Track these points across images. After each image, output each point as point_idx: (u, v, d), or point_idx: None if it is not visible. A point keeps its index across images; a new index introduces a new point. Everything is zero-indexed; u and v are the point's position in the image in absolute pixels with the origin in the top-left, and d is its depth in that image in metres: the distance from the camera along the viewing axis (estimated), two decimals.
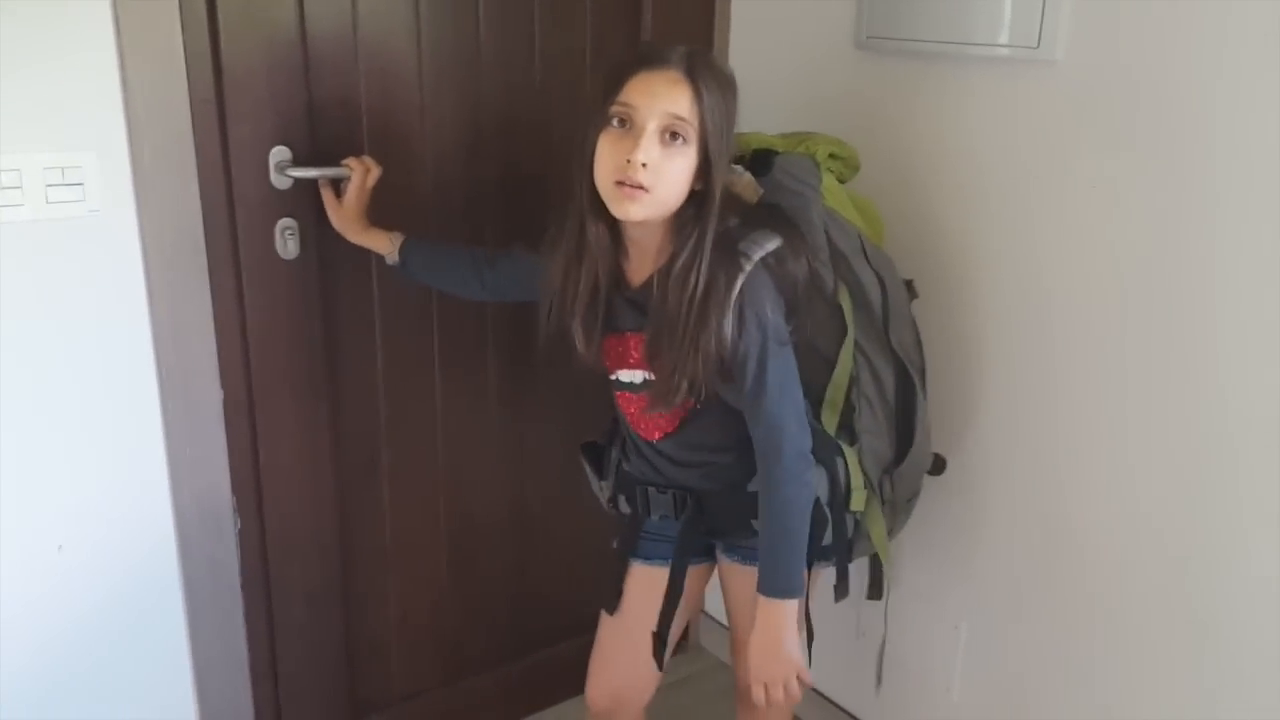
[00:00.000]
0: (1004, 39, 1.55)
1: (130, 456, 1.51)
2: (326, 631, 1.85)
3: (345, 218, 1.59)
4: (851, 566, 1.54)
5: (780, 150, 1.46)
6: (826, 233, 1.44)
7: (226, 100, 1.51)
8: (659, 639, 1.52)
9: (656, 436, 1.47)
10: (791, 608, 1.39)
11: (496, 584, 2.04)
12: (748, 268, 1.30)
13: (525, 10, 1.77)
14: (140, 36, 1.38)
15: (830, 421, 1.48)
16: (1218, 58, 1.34)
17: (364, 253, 1.64)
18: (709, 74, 1.28)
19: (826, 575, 1.54)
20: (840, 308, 1.46)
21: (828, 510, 1.43)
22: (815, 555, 1.45)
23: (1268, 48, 1.28)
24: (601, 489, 1.64)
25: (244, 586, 1.68)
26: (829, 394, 1.48)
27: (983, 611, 1.77)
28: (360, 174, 1.56)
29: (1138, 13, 1.40)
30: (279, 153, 1.58)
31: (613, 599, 1.57)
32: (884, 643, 1.64)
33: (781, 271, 1.33)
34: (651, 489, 1.52)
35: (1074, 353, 1.56)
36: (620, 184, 1.27)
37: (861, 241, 1.49)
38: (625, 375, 1.44)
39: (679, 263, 1.30)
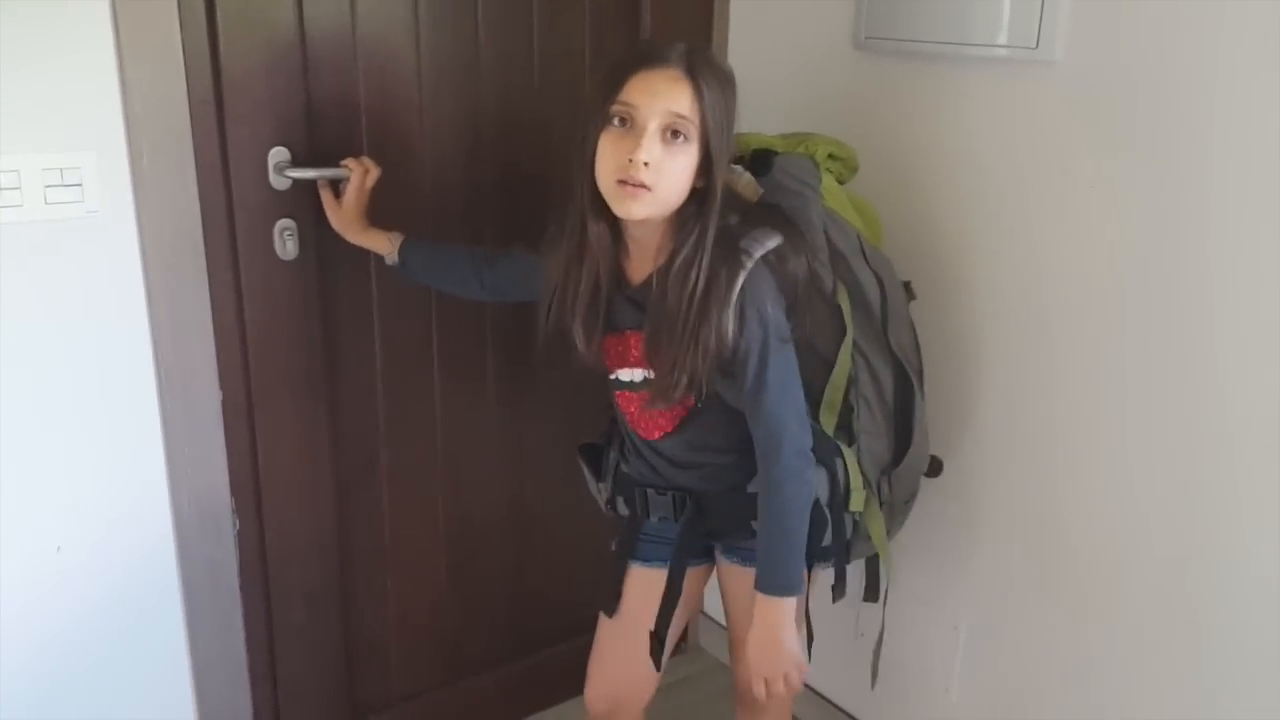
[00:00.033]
0: (1003, 39, 1.55)
1: (129, 457, 1.51)
2: (326, 632, 1.85)
3: (344, 218, 1.59)
4: (850, 567, 1.54)
5: (780, 150, 1.46)
6: (826, 233, 1.44)
7: (225, 101, 1.51)
8: (657, 639, 1.52)
9: (656, 436, 1.47)
10: (790, 605, 1.39)
11: (496, 584, 2.04)
12: (749, 265, 1.30)
13: (524, 10, 1.77)
14: (139, 37, 1.38)
15: (828, 422, 1.48)
16: (1216, 58, 1.34)
17: (363, 253, 1.64)
18: (709, 71, 1.28)
19: (825, 575, 1.54)
20: (839, 308, 1.46)
21: (827, 511, 1.43)
22: (815, 556, 1.45)
23: (1266, 48, 1.28)
24: (600, 491, 1.64)
25: (243, 587, 1.68)
26: (827, 394, 1.48)
27: (982, 612, 1.77)
28: (359, 175, 1.56)
29: (1136, 13, 1.40)
30: (278, 153, 1.57)
31: (611, 601, 1.57)
32: (880, 641, 1.64)
33: (782, 269, 1.34)
34: (651, 490, 1.52)
35: (1072, 353, 1.56)
36: (622, 183, 1.27)
37: (860, 242, 1.49)
38: (625, 374, 1.44)
39: (679, 259, 1.31)
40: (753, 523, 1.41)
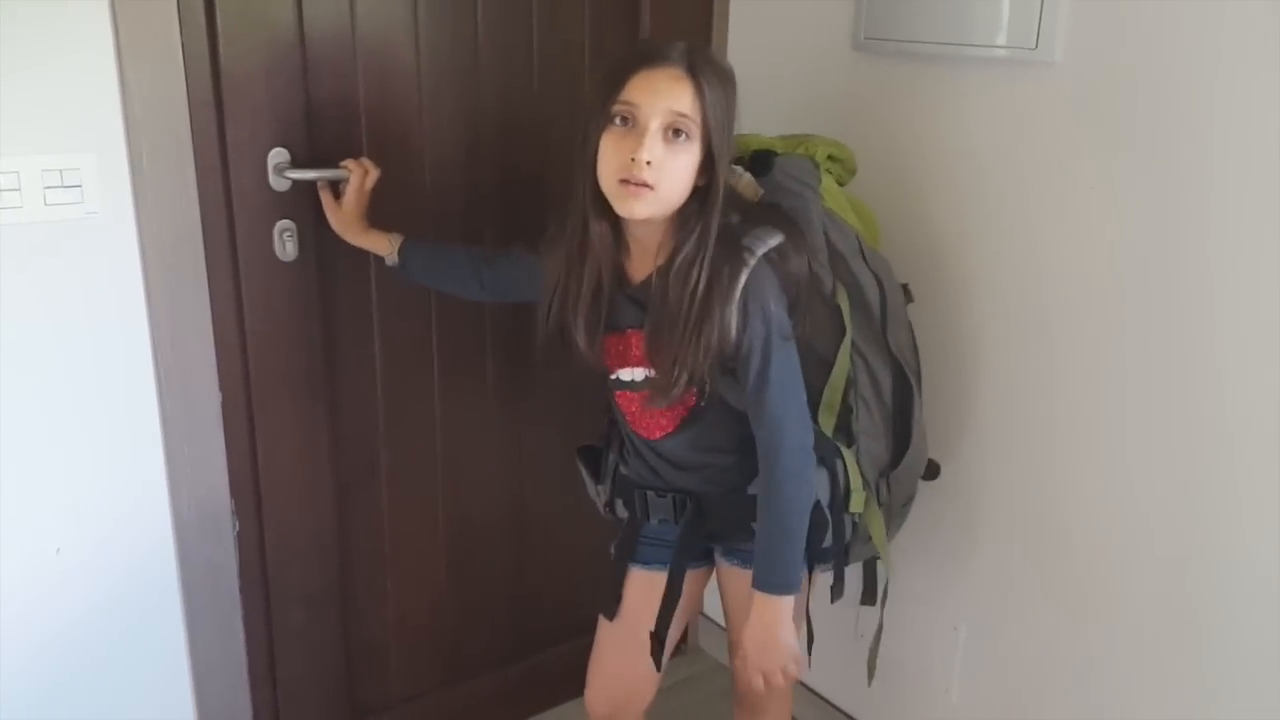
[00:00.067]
0: (1002, 40, 1.55)
1: (129, 459, 1.51)
2: (325, 634, 1.85)
3: (344, 219, 1.59)
4: (848, 567, 1.53)
5: (780, 151, 1.46)
6: (825, 234, 1.44)
7: (225, 102, 1.51)
8: (657, 640, 1.52)
9: (657, 435, 1.47)
10: (787, 603, 1.39)
11: (496, 585, 2.04)
12: (752, 262, 1.30)
13: (523, 10, 1.77)
14: (139, 38, 1.38)
15: (827, 423, 1.48)
16: (1216, 58, 1.34)
17: (363, 254, 1.64)
18: (710, 70, 1.28)
19: (824, 576, 1.53)
20: (838, 308, 1.46)
21: (828, 512, 1.43)
22: (815, 558, 1.45)
23: (1266, 48, 1.28)
24: (598, 493, 1.63)
25: (243, 589, 1.68)
26: (826, 395, 1.48)
27: (982, 613, 1.77)
28: (359, 176, 1.56)
29: (1136, 13, 1.40)
30: (277, 155, 1.57)
31: (611, 605, 1.57)
32: (877, 639, 1.63)
33: (784, 267, 1.34)
34: (650, 493, 1.52)
35: (1072, 353, 1.56)
36: (625, 182, 1.27)
37: (859, 243, 1.49)
38: (626, 374, 1.44)
39: (681, 257, 1.31)
40: (753, 524, 1.41)
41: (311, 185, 1.60)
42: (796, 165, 1.42)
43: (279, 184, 1.59)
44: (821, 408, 1.48)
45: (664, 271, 1.33)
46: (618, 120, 1.28)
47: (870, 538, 1.54)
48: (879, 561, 1.60)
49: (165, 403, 1.51)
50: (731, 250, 1.31)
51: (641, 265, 1.39)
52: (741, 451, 1.42)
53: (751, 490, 1.42)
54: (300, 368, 1.69)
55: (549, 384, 1.96)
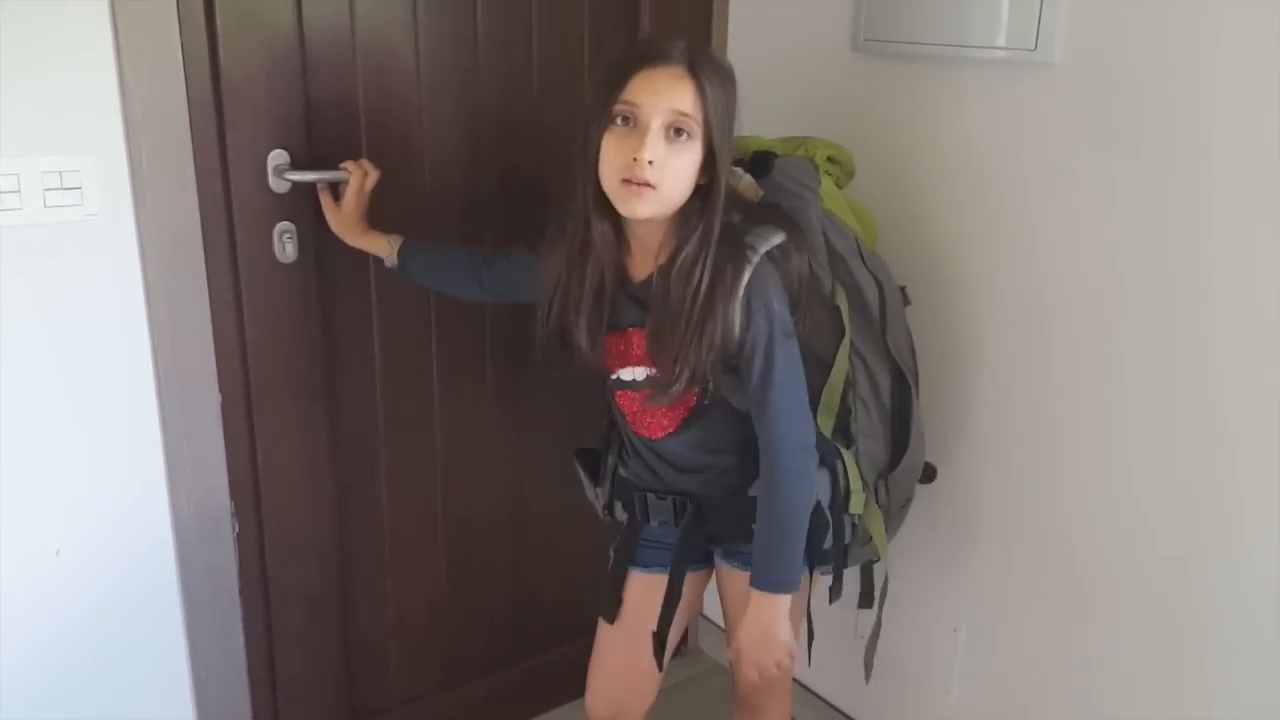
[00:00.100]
0: (1001, 41, 1.55)
1: (128, 460, 1.51)
2: (325, 635, 1.84)
3: (343, 221, 1.59)
4: (847, 569, 1.53)
5: (779, 153, 1.46)
6: (824, 235, 1.44)
7: (224, 104, 1.51)
8: (659, 639, 1.51)
9: (658, 435, 1.46)
10: (784, 601, 1.39)
11: (495, 586, 2.04)
12: (755, 259, 1.31)
13: (522, 11, 1.77)
14: (138, 40, 1.38)
15: (826, 424, 1.48)
16: (1215, 58, 1.34)
17: (362, 256, 1.64)
18: (710, 68, 1.28)
19: (824, 577, 1.53)
20: (837, 309, 1.46)
21: (828, 513, 1.43)
22: (816, 559, 1.45)
23: (1266, 49, 1.28)
24: (597, 496, 1.63)
25: (242, 590, 1.68)
26: (825, 396, 1.48)
27: (981, 613, 1.77)
28: (358, 177, 1.56)
29: (1135, 14, 1.41)
30: (277, 156, 1.57)
31: (612, 609, 1.57)
32: (874, 637, 1.63)
33: (786, 266, 1.34)
34: (650, 495, 1.52)
35: (1071, 354, 1.56)
36: (627, 182, 1.27)
37: (858, 245, 1.49)
38: (627, 373, 1.44)
39: (684, 255, 1.31)
40: (754, 526, 1.41)
41: (311, 187, 1.60)
42: (796, 167, 1.43)
43: (279, 186, 1.59)
44: (820, 409, 1.48)
45: (666, 270, 1.33)
46: (619, 120, 1.28)
47: (869, 540, 1.54)
48: (875, 565, 1.60)
49: (165, 404, 1.51)
50: (734, 248, 1.31)
51: (643, 264, 1.39)
52: (743, 452, 1.42)
53: (752, 492, 1.42)
54: (300, 369, 1.69)
55: (548, 385, 1.96)
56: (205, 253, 1.51)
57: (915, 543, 1.80)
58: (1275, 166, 1.30)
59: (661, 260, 1.35)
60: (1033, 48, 1.50)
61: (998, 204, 1.62)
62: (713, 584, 1.62)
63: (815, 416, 1.47)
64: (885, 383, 1.52)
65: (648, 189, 1.26)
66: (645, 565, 1.55)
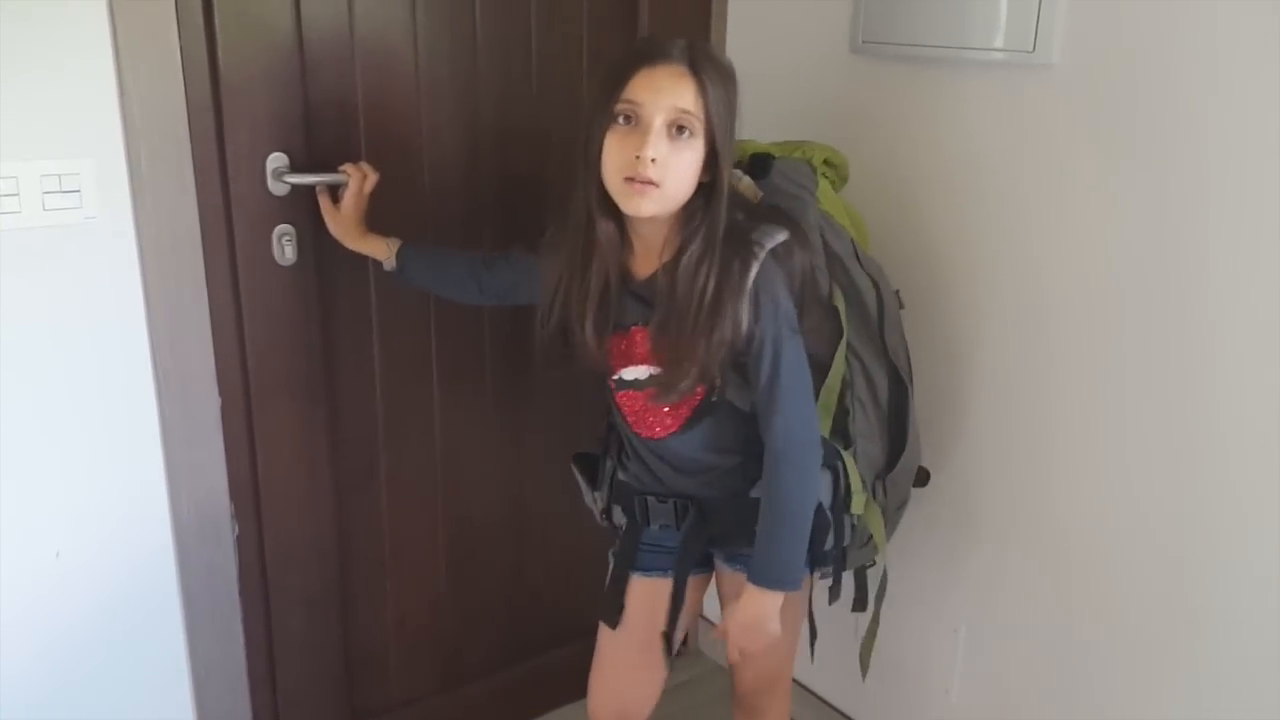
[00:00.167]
0: (1000, 43, 1.55)
1: (128, 463, 1.51)
2: (325, 638, 1.85)
3: (342, 224, 1.59)
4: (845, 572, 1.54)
5: (777, 156, 1.46)
6: (822, 236, 1.45)
7: (223, 107, 1.51)
8: (666, 639, 1.51)
9: (660, 434, 1.46)
10: (779, 598, 1.39)
11: (495, 589, 2.04)
12: (761, 255, 1.31)
13: (521, 13, 1.77)
14: (137, 43, 1.38)
15: (824, 425, 1.47)
16: (1214, 59, 1.34)
17: (361, 259, 1.64)
18: (711, 66, 1.29)
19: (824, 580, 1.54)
20: (835, 310, 1.46)
21: (829, 514, 1.43)
22: (817, 560, 1.45)
23: (1265, 49, 1.29)
24: (595, 500, 1.63)
25: (242, 593, 1.68)
26: (822, 397, 1.47)
27: (981, 613, 1.78)
28: (357, 180, 1.56)
29: (1134, 15, 1.41)
30: (276, 159, 1.58)
31: (614, 614, 1.56)
32: (871, 634, 1.63)
33: (790, 263, 1.35)
34: (651, 498, 1.51)
35: (1070, 355, 1.56)
36: (630, 180, 1.27)
37: (855, 246, 1.49)
38: (630, 373, 1.43)
39: (689, 253, 1.31)
40: (755, 528, 1.41)
41: (310, 190, 1.60)
42: (794, 169, 1.43)
43: (278, 188, 1.59)
44: (818, 410, 1.48)
45: (671, 267, 1.33)
46: (621, 119, 1.28)
47: (867, 541, 1.53)
48: (869, 570, 1.60)
49: (164, 406, 1.51)
50: (741, 245, 1.31)
51: (646, 262, 1.39)
52: (745, 453, 1.42)
53: (754, 494, 1.42)
54: (299, 371, 1.69)
55: (548, 387, 1.96)
56: (204, 255, 1.51)
57: (914, 543, 1.80)
58: (1274, 166, 1.30)
59: (666, 258, 1.35)
60: (1031, 49, 1.51)
61: (996, 205, 1.62)
62: (712, 586, 1.62)
63: None
64: (882, 384, 1.52)
65: (651, 187, 1.27)
66: (646, 569, 1.55)
